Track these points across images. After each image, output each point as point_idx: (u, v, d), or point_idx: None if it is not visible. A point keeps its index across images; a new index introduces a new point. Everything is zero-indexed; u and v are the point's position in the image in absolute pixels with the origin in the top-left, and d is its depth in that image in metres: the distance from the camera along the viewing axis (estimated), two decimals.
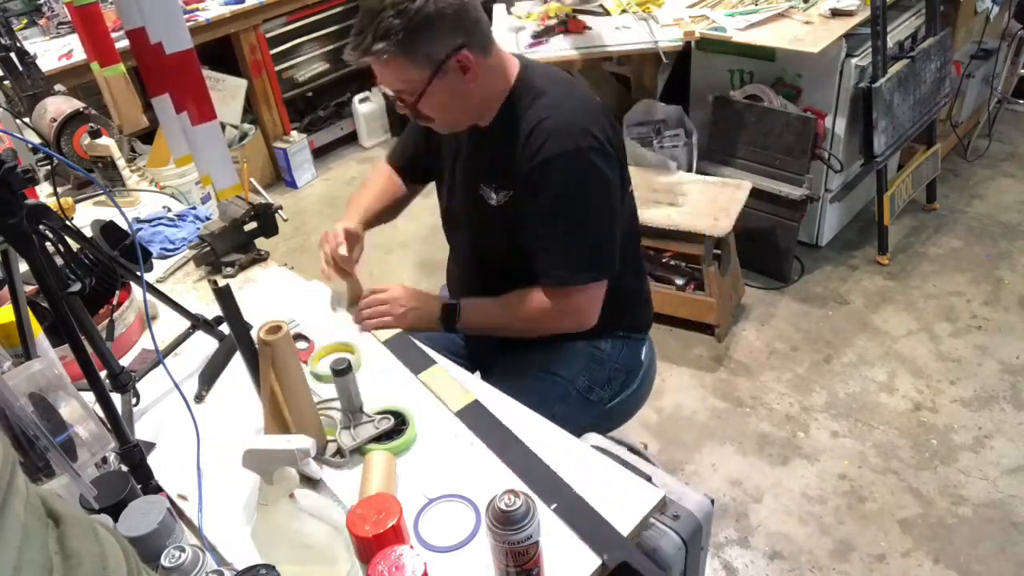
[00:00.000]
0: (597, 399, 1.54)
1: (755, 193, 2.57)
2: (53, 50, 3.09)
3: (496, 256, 1.51)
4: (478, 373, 1.55)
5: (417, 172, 1.65)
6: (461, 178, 1.49)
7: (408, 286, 1.49)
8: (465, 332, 1.52)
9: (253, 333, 1.16)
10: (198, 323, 1.37)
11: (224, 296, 1.13)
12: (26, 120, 2.12)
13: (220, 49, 3.55)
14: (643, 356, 1.61)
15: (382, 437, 1.19)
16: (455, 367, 1.35)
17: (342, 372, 1.17)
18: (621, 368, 1.57)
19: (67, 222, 1.08)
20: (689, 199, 2.52)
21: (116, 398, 1.14)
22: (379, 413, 1.22)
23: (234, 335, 1.17)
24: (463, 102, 1.32)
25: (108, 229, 1.29)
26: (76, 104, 2.01)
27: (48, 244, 1.03)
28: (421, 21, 1.19)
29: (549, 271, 1.38)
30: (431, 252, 3.18)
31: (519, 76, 1.36)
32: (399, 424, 1.20)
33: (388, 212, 1.65)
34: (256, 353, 1.12)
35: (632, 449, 1.18)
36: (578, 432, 1.46)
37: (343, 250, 1.45)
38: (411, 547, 0.84)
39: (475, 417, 1.23)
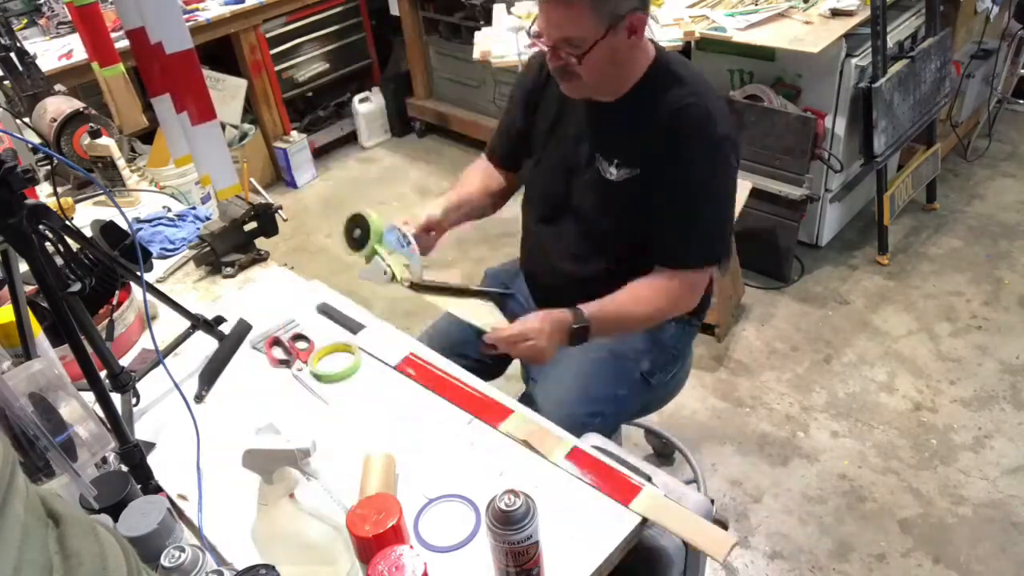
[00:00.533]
0: (657, 383, 1.56)
1: (755, 193, 2.57)
2: (53, 50, 3.08)
3: (604, 231, 1.48)
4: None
5: (514, 161, 1.64)
6: (568, 150, 1.48)
7: (540, 314, 1.39)
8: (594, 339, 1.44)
9: (253, 333, 1.16)
10: (198, 323, 1.37)
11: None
12: (26, 120, 2.12)
13: (220, 49, 3.55)
14: (691, 342, 1.66)
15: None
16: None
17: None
18: (678, 353, 1.60)
19: (67, 222, 1.08)
20: None
21: (116, 398, 1.14)
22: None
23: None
24: (618, 67, 1.34)
25: (108, 229, 1.28)
26: (76, 104, 2.01)
27: (48, 244, 1.03)
28: None
29: (676, 252, 1.40)
30: (442, 245, 3.17)
31: (656, 58, 1.39)
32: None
33: (481, 205, 1.62)
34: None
35: (662, 437, 1.18)
36: (632, 415, 1.54)
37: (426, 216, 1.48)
38: (411, 547, 0.84)
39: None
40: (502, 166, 1.66)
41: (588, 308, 1.39)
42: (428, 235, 1.51)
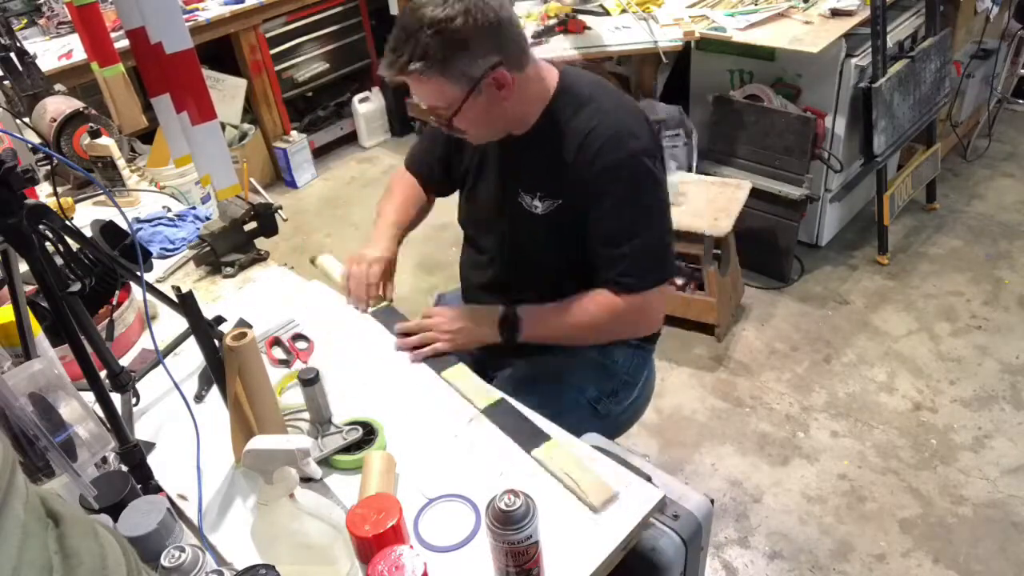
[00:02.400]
0: (604, 411, 1.51)
1: (755, 193, 2.57)
2: (53, 50, 3.09)
3: (536, 262, 1.47)
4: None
5: (439, 179, 1.62)
6: (492, 185, 1.47)
7: (454, 307, 1.43)
8: (525, 342, 1.43)
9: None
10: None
11: (187, 303, 1.12)
12: (26, 120, 2.12)
13: (220, 49, 3.55)
14: (648, 367, 1.60)
15: (350, 448, 1.18)
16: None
17: (310, 382, 1.16)
18: (629, 379, 1.55)
19: (67, 222, 1.08)
20: (689, 199, 2.52)
21: (116, 398, 1.14)
22: (348, 424, 1.21)
23: (198, 343, 1.16)
24: (498, 116, 1.31)
25: (108, 229, 1.28)
26: (76, 104, 2.01)
27: (48, 244, 1.03)
28: (458, 41, 1.18)
29: (617, 277, 1.35)
30: (431, 252, 3.17)
31: (560, 84, 1.35)
32: (367, 435, 1.20)
33: (414, 223, 1.64)
34: (221, 360, 1.12)
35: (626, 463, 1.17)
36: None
37: (373, 275, 1.50)
38: (411, 547, 0.84)
39: (502, 415, 1.23)
40: (426, 184, 1.65)
41: (524, 307, 1.41)
42: (387, 279, 1.55)
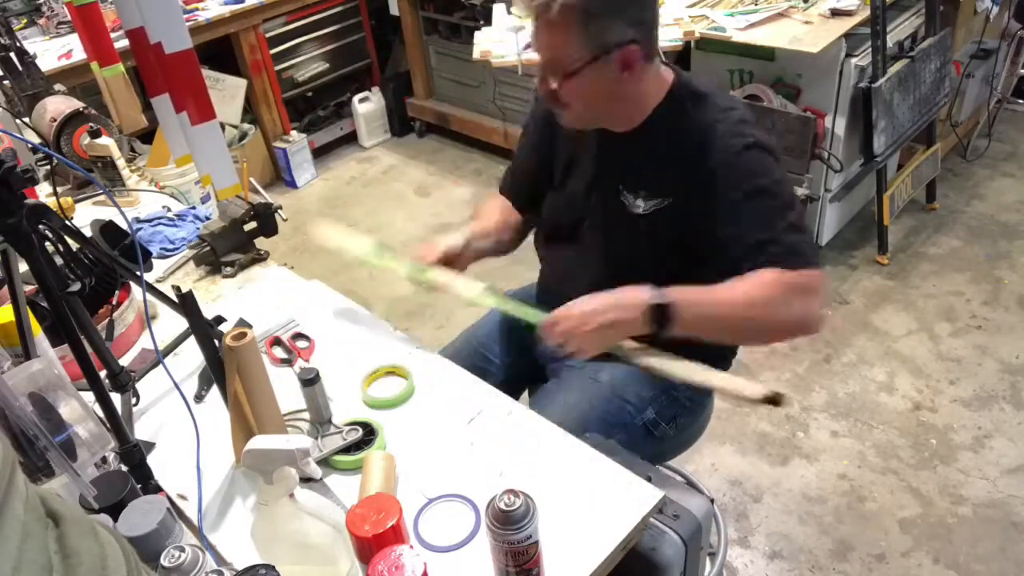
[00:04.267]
0: (660, 435, 1.42)
1: None
2: (53, 50, 3.09)
3: (629, 268, 1.30)
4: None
5: (529, 195, 1.54)
6: (586, 184, 1.40)
7: (594, 297, 1.22)
8: (681, 332, 1.21)
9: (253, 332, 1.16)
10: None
11: (187, 303, 1.12)
12: (26, 120, 2.12)
13: (220, 49, 3.55)
14: (712, 395, 1.50)
15: (350, 448, 1.18)
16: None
17: (310, 382, 1.16)
18: (692, 406, 1.46)
19: (67, 222, 1.08)
20: None
21: (116, 398, 1.14)
22: (348, 424, 1.21)
23: (198, 343, 1.16)
24: (609, 98, 1.26)
25: (108, 229, 1.28)
26: (76, 104, 2.01)
27: (48, 244, 1.03)
28: (606, 1, 1.16)
29: (771, 256, 1.19)
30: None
31: (675, 82, 1.31)
32: (367, 435, 1.20)
33: (502, 239, 1.53)
34: (221, 360, 1.12)
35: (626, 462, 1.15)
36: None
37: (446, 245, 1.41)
38: (411, 547, 0.84)
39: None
40: (516, 204, 1.57)
41: (671, 290, 1.19)
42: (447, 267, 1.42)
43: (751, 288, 1.18)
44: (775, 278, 1.18)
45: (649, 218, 1.32)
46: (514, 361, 1.59)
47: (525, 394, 1.70)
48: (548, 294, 1.53)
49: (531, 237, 1.60)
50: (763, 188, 1.22)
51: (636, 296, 1.20)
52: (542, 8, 1.17)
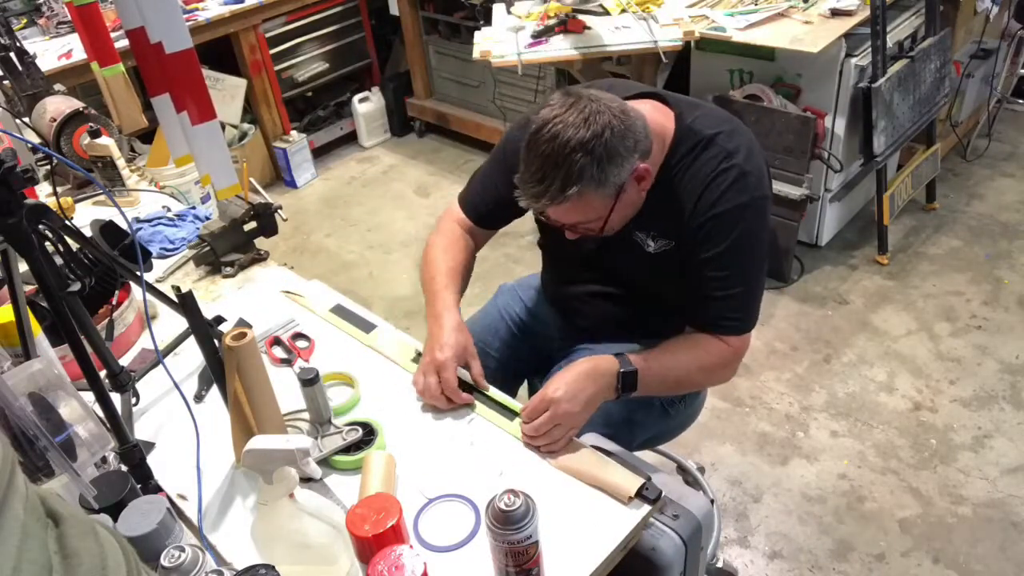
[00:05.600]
0: (674, 412, 1.52)
1: None
2: (53, 50, 3.08)
3: (640, 295, 1.45)
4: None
5: (500, 216, 1.52)
6: None
7: (564, 374, 1.24)
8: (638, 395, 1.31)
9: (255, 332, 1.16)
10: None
11: (187, 303, 1.12)
12: (26, 120, 2.12)
13: (220, 49, 3.55)
14: None
15: (350, 448, 1.18)
16: None
17: (310, 382, 1.16)
18: None
19: (67, 222, 1.08)
20: None
21: (116, 398, 1.14)
22: (348, 424, 1.21)
23: (198, 343, 1.16)
24: (637, 202, 1.29)
25: (108, 229, 1.28)
26: (76, 104, 2.01)
27: (48, 244, 1.03)
28: (610, 156, 1.15)
29: (723, 318, 1.32)
30: None
31: (677, 128, 1.29)
32: (367, 435, 1.20)
33: (467, 283, 1.51)
34: (221, 360, 1.12)
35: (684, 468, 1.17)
36: (643, 443, 1.47)
37: (449, 384, 1.27)
38: (411, 547, 0.84)
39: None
40: (481, 225, 1.52)
41: (633, 356, 1.28)
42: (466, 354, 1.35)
43: (702, 357, 1.33)
44: (721, 350, 1.33)
45: (657, 257, 1.36)
46: (513, 354, 1.60)
47: (524, 388, 1.70)
48: (553, 296, 1.60)
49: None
50: (741, 245, 1.28)
51: (609, 367, 1.26)
52: (552, 200, 1.16)
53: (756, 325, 1.35)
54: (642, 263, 1.37)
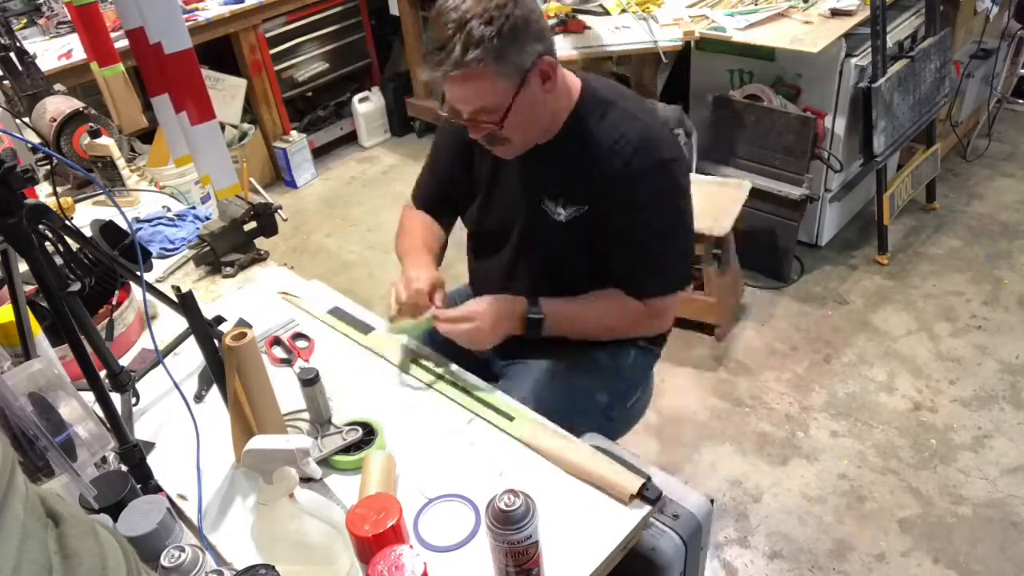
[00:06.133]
0: (616, 415, 1.52)
1: (755, 193, 2.57)
2: (53, 50, 3.08)
3: (556, 269, 1.45)
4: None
5: (448, 208, 1.57)
6: (511, 193, 1.44)
7: (497, 306, 1.35)
8: (546, 335, 1.40)
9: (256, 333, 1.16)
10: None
11: (187, 303, 1.12)
12: (26, 120, 2.12)
13: (220, 49, 3.55)
14: (652, 368, 1.61)
15: (350, 448, 1.18)
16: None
17: (310, 382, 1.16)
18: (634, 381, 1.56)
19: (67, 222, 1.08)
20: None
21: (116, 398, 1.14)
22: (348, 424, 1.21)
23: (198, 343, 1.16)
24: (541, 116, 1.28)
25: (108, 229, 1.28)
26: (76, 104, 2.01)
27: (48, 244, 1.03)
28: (511, 27, 1.15)
29: (640, 283, 1.37)
30: None
31: (583, 88, 1.33)
32: (367, 435, 1.20)
33: (440, 257, 1.56)
34: (221, 360, 1.12)
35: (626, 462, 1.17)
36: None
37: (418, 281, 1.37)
38: (411, 547, 0.84)
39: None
40: (437, 215, 1.57)
41: (547, 302, 1.37)
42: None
43: (611, 311, 1.40)
44: (638, 309, 1.38)
45: (569, 225, 1.37)
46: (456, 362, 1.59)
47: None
48: (476, 292, 1.59)
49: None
50: (653, 208, 1.31)
51: (521, 308, 1.36)
52: (454, 66, 1.16)
53: (687, 286, 1.41)
54: (553, 234, 1.38)
